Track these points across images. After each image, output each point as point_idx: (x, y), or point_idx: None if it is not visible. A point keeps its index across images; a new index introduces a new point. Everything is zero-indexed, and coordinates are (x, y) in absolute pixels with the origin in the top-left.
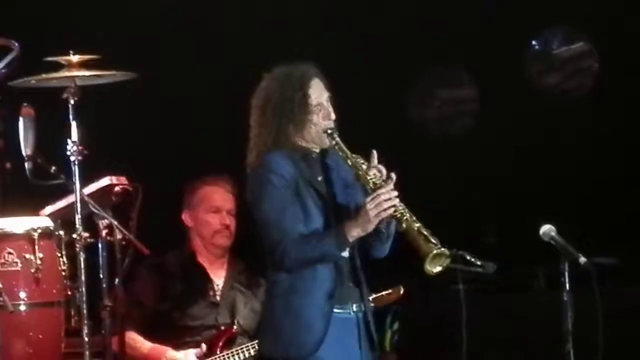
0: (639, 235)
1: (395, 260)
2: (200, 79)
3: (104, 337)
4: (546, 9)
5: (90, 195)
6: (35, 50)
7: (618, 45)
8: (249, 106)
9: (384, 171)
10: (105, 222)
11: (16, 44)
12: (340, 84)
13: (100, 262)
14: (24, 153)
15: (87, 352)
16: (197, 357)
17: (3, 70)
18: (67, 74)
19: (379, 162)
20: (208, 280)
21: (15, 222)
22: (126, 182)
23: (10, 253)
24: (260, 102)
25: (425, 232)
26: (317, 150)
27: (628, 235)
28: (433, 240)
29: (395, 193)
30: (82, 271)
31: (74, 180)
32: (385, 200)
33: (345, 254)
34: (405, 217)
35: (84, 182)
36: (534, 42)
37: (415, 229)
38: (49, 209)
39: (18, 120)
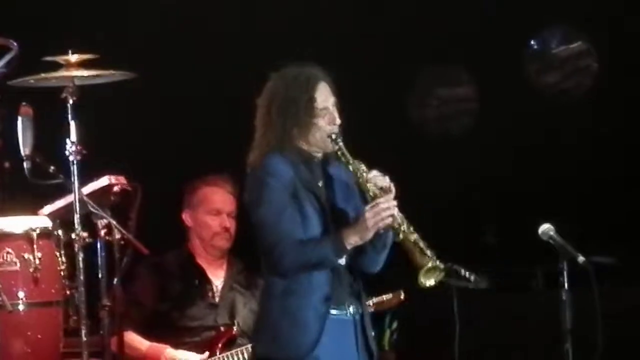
0: (638, 235)
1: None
2: (199, 78)
3: (103, 337)
4: (545, 8)
5: (89, 195)
6: (34, 50)
7: (618, 45)
8: (249, 106)
9: (387, 179)
10: (104, 221)
11: (15, 44)
12: (340, 84)
13: (99, 261)
14: (22, 153)
15: (85, 352)
16: None
17: (2, 70)
18: (65, 73)
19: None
20: (207, 281)
21: (14, 222)
22: (125, 182)
23: (9, 253)
24: (265, 102)
25: (422, 245)
26: (320, 155)
27: (627, 235)
28: (428, 253)
29: (395, 203)
30: (81, 271)
31: (72, 179)
32: (385, 210)
33: (342, 261)
34: (402, 228)
35: (83, 182)
36: (532, 42)
37: (412, 240)
38: (48, 208)
39: (17, 119)
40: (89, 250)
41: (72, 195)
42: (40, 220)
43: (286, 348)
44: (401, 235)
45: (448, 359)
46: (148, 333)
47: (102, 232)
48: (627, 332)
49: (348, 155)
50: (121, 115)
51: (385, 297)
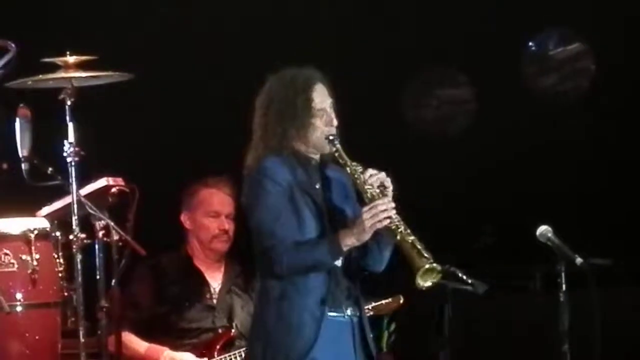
0: (636, 237)
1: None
2: (198, 79)
3: (101, 338)
4: (543, 10)
5: (87, 196)
6: (32, 51)
7: (617, 46)
8: (248, 107)
9: (383, 174)
10: (102, 223)
11: (13, 45)
12: (338, 84)
13: (97, 263)
14: (20, 154)
15: (83, 353)
16: None
17: (0, 71)
18: (63, 75)
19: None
20: (205, 284)
21: (11, 223)
22: (123, 183)
23: (6, 254)
24: (263, 103)
25: (419, 246)
26: (317, 157)
27: (625, 236)
28: (426, 255)
29: (393, 205)
30: (79, 272)
31: (70, 181)
32: (382, 212)
33: (339, 262)
34: (400, 230)
35: (81, 183)
36: (530, 43)
37: (409, 242)
38: (46, 210)
39: (15, 121)
40: (87, 251)
41: (70, 196)
42: (38, 222)
43: (281, 353)
44: (398, 237)
45: None
46: (146, 335)
47: (100, 234)
48: (625, 334)
49: (345, 157)
50: (119, 116)
51: (384, 301)
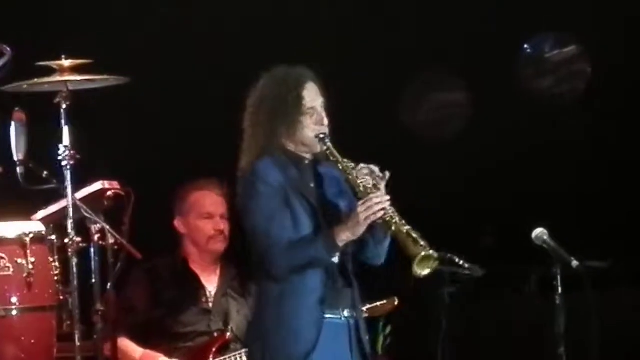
0: (632, 239)
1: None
2: (194, 83)
3: (97, 343)
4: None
5: (83, 199)
6: (27, 55)
7: (616, 46)
8: (244, 110)
9: (375, 168)
10: (98, 226)
11: (8, 49)
12: (339, 84)
13: (93, 266)
14: (16, 158)
15: (79, 357)
16: None
17: None
18: (59, 78)
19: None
20: (200, 287)
21: (7, 227)
22: (118, 187)
23: (2, 258)
24: (254, 101)
25: (414, 235)
26: (309, 156)
27: (624, 237)
28: (422, 243)
29: (387, 197)
30: (75, 276)
31: (66, 184)
32: (376, 204)
33: (335, 259)
34: (394, 220)
35: (76, 187)
36: (526, 46)
37: (405, 231)
38: (41, 213)
39: (10, 125)
40: (83, 255)
41: (66, 200)
42: (34, 225)
43: (280, 355)
44: (393, 228)
45: None
46: (141, 339)
47: (96, 237)
48: (621, 337)
49: (337, 154)
50: (114, 120)
51: (378, 303)
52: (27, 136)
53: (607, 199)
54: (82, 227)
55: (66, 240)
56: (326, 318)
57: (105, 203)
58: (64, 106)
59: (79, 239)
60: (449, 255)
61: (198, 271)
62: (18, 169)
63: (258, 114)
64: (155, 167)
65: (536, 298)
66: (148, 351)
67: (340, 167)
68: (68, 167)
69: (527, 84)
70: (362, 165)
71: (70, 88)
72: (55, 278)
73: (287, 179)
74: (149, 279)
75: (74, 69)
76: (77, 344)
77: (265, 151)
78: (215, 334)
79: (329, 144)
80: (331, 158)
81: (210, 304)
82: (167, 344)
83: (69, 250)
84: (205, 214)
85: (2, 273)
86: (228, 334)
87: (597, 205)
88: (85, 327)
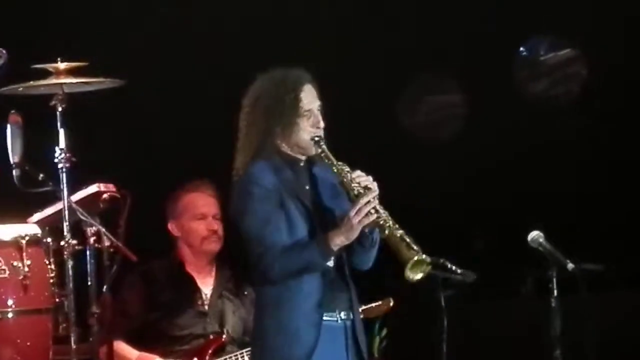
0: (629, 240)
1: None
2: (190, 85)
3: (92, 344)
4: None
5: (78, 202)
6: (23, 58)
7: (614, 46)
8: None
9: (370, 179)
10: (93, 229)
11: (4, 51)
12: (339, 84)
13: (88, 269)
14: (11, 160)
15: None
16: None
17: None
18: (54, 81)
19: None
20: (196, 290)
21: (3, 230)
22: (114, 189)
23: None
24: (250, 101)
25: (407, 239)
26: (304, 159)
27: (619, 239)
28: (414, 247)
29: (377, 201)
30: (70, 278)
31: (62, 187)
32: (367, 206)
33: (331, 263)
34: (388, 224)
35: (72, 190)
36: (521, 49)
37: (398, 235)
38: (37, 216)
39: (5, 127)
40: (79, 257)
41: (62, 202)
42: (30, 228)
43: (279, 359)
44: (386, 231)
45: None
46: (137, 342)
47: (92, 240)
48: (616, 339)
49: (332, 157)
50: (110, 122)
51: (374, 304)
52: (22, 139)
53: (605, 201)
54: (78, 230)
55: (62, 243)
56: (323, 320)
57: (101, 206)
58: (59, 109)
59: (74, 242)
60: (441, 260)
61: (194, 273)
62: (14, 172)
63: (254, 114)
64: (151, 169)
65: (532, 300)
66: (144, 354)
67: (335, 170)
68: (64, 169)
69: (522, 86)
70: (357, 172)
71: (66, 91)
72: (51, 281)
73: (282, 181)
74: (144, 282)
75: (70, 72)
76: (73, 346)
77: (260, 151)
78: (211, 337)
79: (324, 146)
80: (326, 161)
81: (206, 307)
82: (163, 346)
83: (65, 252)
84: (198, 215)
85: None
86: (224, 336)
87: (595, 206)
88: (81, 329)
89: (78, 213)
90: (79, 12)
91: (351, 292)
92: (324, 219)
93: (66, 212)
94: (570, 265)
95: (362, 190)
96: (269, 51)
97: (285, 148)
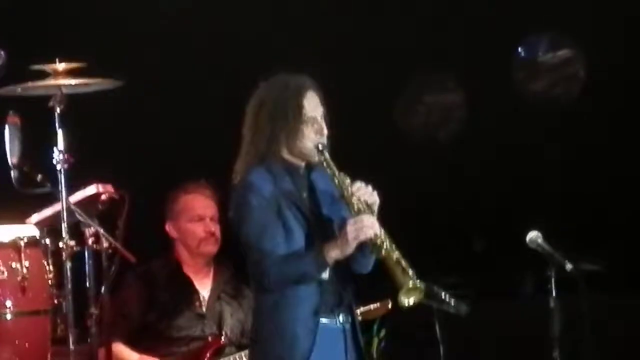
0: (628, 241)
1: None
2: (189, 86)
3: (91, 346)
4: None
5: (77, 203)
6: (22, 59)
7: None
8: (239, 114)
9: (374, 194)
10: (92, 230)
11: (2, 52)
12: (338, 84)
13: (87, 270)
14: (10, 161)
15: None
16: None
17: None
18: (53, 82)
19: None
20: (194, 292)
21: (1, 231)
22: (112, 190)
23: None
24: (255, 108)
25: (403, 264)
26: (304, 165)
27: (618, 240)
28: (410, 273)
29: (375, 219)
30: (69, 279)
31: (60, 188)
32: (367, 227)
33: (325, 275)
34: (385, 246)
35: (71, 190)
36: (520, 49)
37: (394, 259)
38: (35, 217)
39: (4, 128)
40: (77, 258)
41: (60, 203)
42: (28, 229)
43: None
44: (383, 252)
45: None
46: (136, 343)
47: (90, 241)
48: (615, 339)
49: (334, 167)
50: (108, 123)
51: (372, 306)
52: (21, 140)
53: (605, 201)
54: (76, 231)
55: (60, 244)
56: (322, 323)
57: (100, 207)
58: (58, 110)
59: (73, 243)
60: (435, 288)
61: (191, 275)
62: (12, 173)
63: (258, 118)
64: (150, 170)
65: (531, 301)
66: (144, 356)
67: (336, 182)
68: (62, 170)
69: (520, 87)
70: (358, 183)
71: (65, 91)
72: (50, 282)
73: (280, 189)
74: (143, 283)
75: (68, 73)
76: (71, 347)
77: (263, 158)
78: (210, 339)
79: (327, 155)
80: (328, 171)
81: (204, 309)
82: (161, 348)
83: (63, 254)
84: (196, 217)
85: None
86: (222, 338)
87: (595, 206)
88: (79, 331)
89: (76, 214)
90: (78, 13)
91: (350, 295)
92: (321, 227)
93: (64, 213)
94: (569, 266)
95: (362, 207)
96: (269, 51)
97: (286, 154)
